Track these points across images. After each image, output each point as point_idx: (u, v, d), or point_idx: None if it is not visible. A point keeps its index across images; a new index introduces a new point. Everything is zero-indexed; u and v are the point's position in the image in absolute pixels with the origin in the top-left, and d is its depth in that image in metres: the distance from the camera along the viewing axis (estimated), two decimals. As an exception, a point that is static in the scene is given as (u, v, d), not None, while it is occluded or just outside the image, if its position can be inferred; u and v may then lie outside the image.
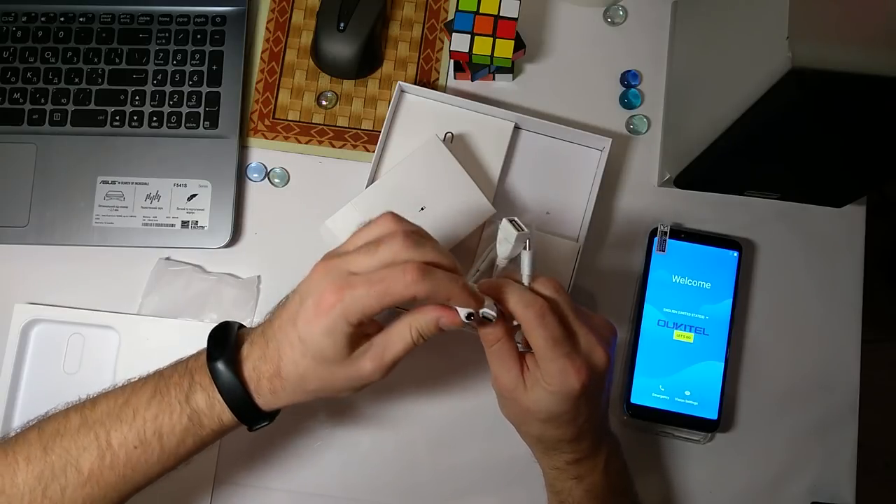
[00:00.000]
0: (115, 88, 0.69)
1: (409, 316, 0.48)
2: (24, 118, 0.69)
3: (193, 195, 0.68)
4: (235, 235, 0.68)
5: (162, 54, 0.70)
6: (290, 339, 0.47)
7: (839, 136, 0.55)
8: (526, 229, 0.51)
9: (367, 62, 0.70)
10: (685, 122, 0.66)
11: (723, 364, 0.65)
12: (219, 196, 0.68)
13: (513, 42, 0.65)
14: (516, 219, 0.52)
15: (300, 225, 0.68)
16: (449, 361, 0.66)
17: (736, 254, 0.67)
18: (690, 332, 0.65)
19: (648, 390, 0.64)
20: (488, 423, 0.64)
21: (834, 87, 0.47)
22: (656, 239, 0.66)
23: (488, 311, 0.48)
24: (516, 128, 0.68)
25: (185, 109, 0.69)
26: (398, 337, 0.47)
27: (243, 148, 0.70)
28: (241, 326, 0.53)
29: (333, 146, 0.70)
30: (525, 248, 0.51)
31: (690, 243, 0.67)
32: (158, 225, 0.67)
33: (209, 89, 0.69)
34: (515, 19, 0.65)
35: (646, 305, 0.66)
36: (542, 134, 0.68)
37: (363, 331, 0.48)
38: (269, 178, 0.70)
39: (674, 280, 0.66)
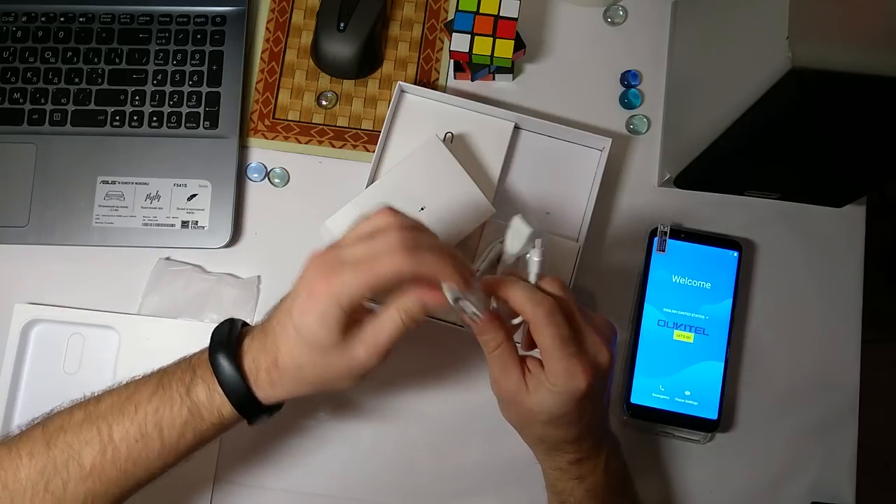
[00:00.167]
0: (115, 88, 0.69)
1: (396, 299, 0.48)
2: (24, 118, 0.69)
3: (193, 195, 0.68)
4: (235, 235, 0.68)
5: (162, 54, 0.70)
6: (286, 330, 0.48)
7: (839, 136, 0.55)
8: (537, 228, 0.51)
9: (367, 62, 0.70)
10: (685, 122, 0.66)
11: (723, 364, 0.65)
12: (219, 196, 0.68)
13: (513, 42, 0.65)
14: (526, 217, 0.51)
15: (300, 225, 0.68)
16: (449, 361, 0.66)
17: (736, 254, 0.67)
18: (690, 332, 0.65)
19: (648, 390, 0.64)
20: (489, 423, 0.64)
21: (834, 87, 0.47)
22: (656, 239, 0.66)
23: (468, 303, 0.47)
24: (516, 128, 0.68)
25: (185, 109, 0.69)
26: (388, 320, 0.47)
27: (243, 148, 0.70)
28: (245, 324, 0.53)
29: (333, 146, 0.70)
30: (535, 247, 0.51)
31: (690, 243, 0.67)
32: (158, 225, 0.67)
33: (209, 89, 0.69)
34: (515, 19, 0.65)
35: (646, 305, 0.66)
36: (542, 134, 0.68)
37: (357, 318, 0.48)
38: (269, 178, 0.70)
39: (674, 280, 0.66)
